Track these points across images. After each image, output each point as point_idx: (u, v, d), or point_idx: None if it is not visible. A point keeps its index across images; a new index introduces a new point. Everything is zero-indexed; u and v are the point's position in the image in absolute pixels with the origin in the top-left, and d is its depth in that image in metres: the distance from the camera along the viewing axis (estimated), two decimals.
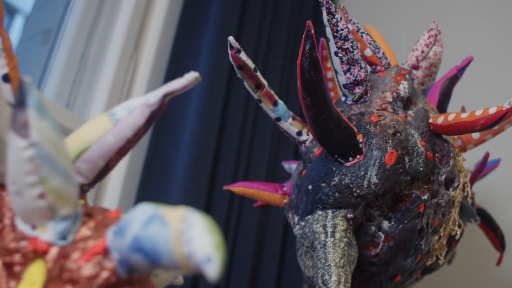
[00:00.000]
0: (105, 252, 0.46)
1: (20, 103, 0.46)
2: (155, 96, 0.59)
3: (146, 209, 0.43)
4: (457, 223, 1.01)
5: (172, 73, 1.77)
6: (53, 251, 0.49)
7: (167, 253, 0.39)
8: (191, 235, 0.38)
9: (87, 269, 0.46)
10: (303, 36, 0.84)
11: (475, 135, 1.10)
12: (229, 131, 1.67)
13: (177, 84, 0.59)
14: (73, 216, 0.50)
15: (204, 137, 1.58)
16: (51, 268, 0.48)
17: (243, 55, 0.94)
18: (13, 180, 0.48)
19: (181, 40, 1.81)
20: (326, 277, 0.85)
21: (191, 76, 0.59)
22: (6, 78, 0.63)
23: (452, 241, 1.07)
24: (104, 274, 0.45)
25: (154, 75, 1.79)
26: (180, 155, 1.56)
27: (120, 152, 0.57)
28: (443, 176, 0.97)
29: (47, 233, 0.49)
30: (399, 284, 1.02)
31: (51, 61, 1.77)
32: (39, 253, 0.49)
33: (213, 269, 0.36)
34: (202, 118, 1.58)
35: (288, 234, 1.77)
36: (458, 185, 1.00)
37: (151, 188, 1.58)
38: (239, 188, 1.13)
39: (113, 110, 0.58)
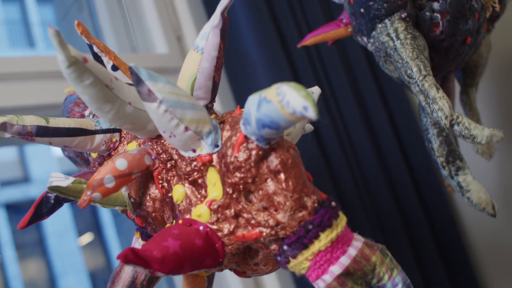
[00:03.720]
0: (246, 139, 0.66)
1: (138, 81, 0.65)
2: (216, 16, 0.76)
3: (253, 98, 0.62)
4: None
5: None
6: (215, 157, 0.70)
7: (280, 118, 0.58)
8: (287, 99, 0.55)
9: (242, 156, 0.66)
10: None
11: None
12: None
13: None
14: (213, 129, 0.70)
15: (259, 17, 1.71)
16: (219, 168, 0.69)
17: None
18: (163, 130, 0.69)
19: None
20: (409, 71, 1.02)
21: None
22: (114, 68, 0.82)
23: None
24: (254, 153, 0.66)
25: None
26: (247, 42, 1.71)
27: (217, 68, 0.76)
28: None
29: (204, 149, 0.70)
30: (472, 44, 1.17)
31: (96, 21, 1.95)
32: (207, 164, 0.70)
33: (311, 112, 0.53)
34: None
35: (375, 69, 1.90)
36: None
37: (240, 79, 1.77)
38: (309, 40, 1.29)
39: (196, 44, 0.77)
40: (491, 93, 1.69)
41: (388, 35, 1.06)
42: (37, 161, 8.40)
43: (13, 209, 8.55)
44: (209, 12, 1.82)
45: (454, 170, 1.12)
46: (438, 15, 1.09)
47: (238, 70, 1.76)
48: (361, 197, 1.72)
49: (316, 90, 0.85)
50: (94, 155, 0.92)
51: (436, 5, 1.08)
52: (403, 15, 1.06)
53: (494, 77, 1.66)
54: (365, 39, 1.16)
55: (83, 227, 8.92)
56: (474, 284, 1.86)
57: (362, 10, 1.11)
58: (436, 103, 0.97)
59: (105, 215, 8.59)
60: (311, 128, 0.91)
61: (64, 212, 8.77)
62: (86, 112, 0.95)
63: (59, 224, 8.71)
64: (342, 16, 1.25)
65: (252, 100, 0.61)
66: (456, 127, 0.95)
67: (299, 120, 0.57)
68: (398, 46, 1.04)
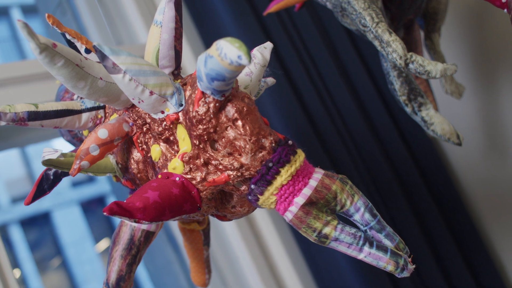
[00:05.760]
0: (203, 95, 0.74)
1: (103, 57, 0.73)
2: None
3: (201, 56, 0.69)
4: None
5: None
6: (181, 115, 0.78)
7: (222, 69, 0.65)
8: (224, 52, 0.63)
9: (201, 110, 0.74)
10: None
11: None
12: None
13: None
14: (176, 91, 0.77)
15: None
16: (185, 124, 0.77)
17: None
18: (132, 97, 0.77)
19: None
20: (363, 21, 1.09)
21: None
22: (87, 51, 0.90)
23: None
24: (211, 105, 0.74)
25: None
26: (220, 11, 1.77)
27: (177, 38, 0.83)
28: None
29: (171, 109, 0.78)
30: None
31: (81, 22, 2.03)
32: (175, 122, 0.78)
33: (245, 60, 0.61)
34: None
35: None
36: None
37: (211, 36, 1.83)
38: (273, 7, 1.36)
39: (155, 19, 0.84)
40: (454, 36, 1.75)
41: None
42: None
43: (28, 224, 8.67)
44: None
45: (416, 107, 1.19)
46: None
47: (213, 39, 1.81)
48: (351, 156, 1.78)
49: (268, 45, 0.92)
50: (85, 133, 1.01)
51: None
52: None
53: (455, 21, 1.72)
54: None
55: (98, 234, 9.04)
56: (469, 224, 1.93)
57: None
58: (390, 46, 1.04)
59: (119, 219, 8.68)
60: (273, 81, 0.98)
61: (79, 222, 8.89)
62: (75, 97, 1.03)
63: (75, 234, 8.83)
64: None
65: (200, 59, 0.69)
66: (411, 65, 1.02)
67: (239, 69, 0.65)
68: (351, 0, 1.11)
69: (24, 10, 9.39)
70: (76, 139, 1.10)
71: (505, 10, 0.90)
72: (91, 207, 9.28)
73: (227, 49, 0.62)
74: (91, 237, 9.04)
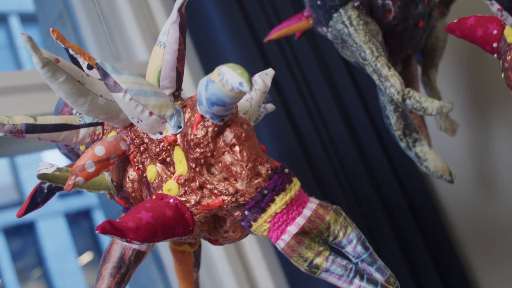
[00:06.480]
0: (202, 118, 0.74)
1: (104, 74, 0.74)
2: (174, 13, 0.84)
3: (202, 80, 0.70)
4: None
5: None
6: (179, 137, 0.78)
7: (223, 95, 0.66)
8: (226, 78, 0.63)
9: (200, 133, 0.74)
10: None
11: None
12: None
13: None
14: (176, 112, 0.78)
15: (230, 13, 1.78)
16: (183, 146, 0.77)
17: None
18: (131, 116, 0.77)
19: None
20: (363, 54, 1.10)
21: None
22: (89, 67, 0.90)
23: None
24: (210, 129, 0.74)
25: None
26: (220, 37, 1.78)
27: (179, 59, 0.84)
28: None
29: (169, 130, 0.78)
30: (425, 27, 1.25)
31: (80, 35, 2.03)
32: (173, 143, 0.78)
33: (246, 87, 0.61)
34: None
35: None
36: None
37: (210, 60, 1.85)
38: (274, 34, 1.38)
39: (158, 39, 0.84)
40: (451, 73, 1.77)
41: (343, 22, 1.15)
42: (33, 184, 8.41)
43: (11, 233, 8.59)
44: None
45: (411, 142, 1.21)
46: (390, 2, 1.17)
47: (212, 63, 1.83)
48: (342, 187, 1.79)
49: (270, 72, 0.93)
50: (82, 148, 1.01)
51: None
52: (355, 4, 1.15)
53: (454, 58, 1.74)
54: (324, 29, 1.24)
55: (82, 247, 8.97)
56: (456, 261, 1.94)
57: (319, 2, 1.19)
58: (388, 81, 1.05)
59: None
60: (272, 108, 0.99)
61: (63, 234, 8.82)
62: (74, 111, 1.03)
63: (58, 246, 8.75)
64: (304, 10, 1.34)
65: (202, 83, 0.70)
66: (408, 101, 1.03)
67: (239, 96, 0.65)
68: (352, 32, 1.12)
69: (23, 19, 9.39)
70: (72, 153, 1.10)
71: (495, 55, 0.91)
72: (76, 220, 9.21)
73: (229, 75, 0.63)
74: (74, 250, 8.96)
